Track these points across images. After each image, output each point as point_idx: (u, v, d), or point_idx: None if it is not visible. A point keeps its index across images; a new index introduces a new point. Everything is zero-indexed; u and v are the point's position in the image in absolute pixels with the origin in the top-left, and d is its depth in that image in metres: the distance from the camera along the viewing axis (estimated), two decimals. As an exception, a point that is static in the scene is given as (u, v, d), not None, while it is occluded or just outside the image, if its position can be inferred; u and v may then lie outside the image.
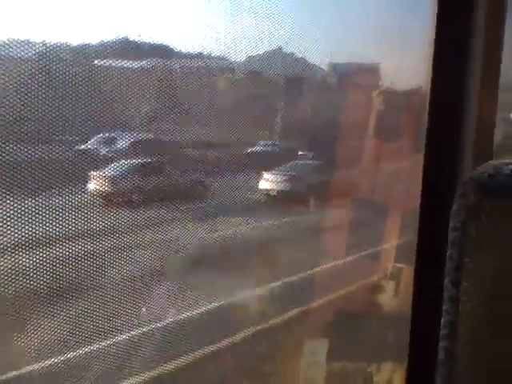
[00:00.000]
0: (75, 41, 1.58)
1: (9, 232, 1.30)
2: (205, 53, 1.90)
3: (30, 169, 1.39)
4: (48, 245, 1.40)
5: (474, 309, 0.56)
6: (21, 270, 1.37)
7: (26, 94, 1.37)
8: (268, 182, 2.64)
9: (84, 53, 1.64)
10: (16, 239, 1.32)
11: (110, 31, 1.54)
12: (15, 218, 1.31)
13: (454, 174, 1.15)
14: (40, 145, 1.46)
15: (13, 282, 1.38)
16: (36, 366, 1.45)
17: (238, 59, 1.97)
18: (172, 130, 1.89)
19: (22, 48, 1.36)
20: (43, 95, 1.40)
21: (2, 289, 1.38)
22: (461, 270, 0.57)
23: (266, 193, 2.59)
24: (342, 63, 2.53)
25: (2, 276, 1.38)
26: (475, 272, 0.56)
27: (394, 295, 1.50)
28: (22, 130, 1.49)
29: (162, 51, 1.80)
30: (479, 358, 0.57)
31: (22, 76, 1.37)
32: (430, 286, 0.90)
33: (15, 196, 1.33)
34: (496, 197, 0.54)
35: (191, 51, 1.89)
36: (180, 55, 1.89)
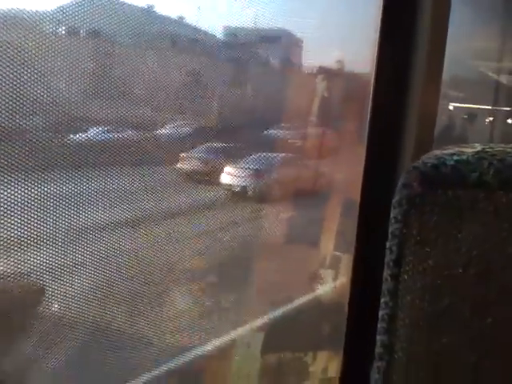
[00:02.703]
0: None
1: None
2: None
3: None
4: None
5: (412, 302, 0.54)
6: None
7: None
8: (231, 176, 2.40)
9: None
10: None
11: None
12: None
13: (396, 164, 1.15)
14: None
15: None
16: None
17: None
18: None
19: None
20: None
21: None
22: (400, 263, 0.55)
23: (229, 188, 2.35)
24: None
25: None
26: (415, 265, 0.54)
27: (332, 284, 1.50)
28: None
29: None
30: (417, 352, 0.55)
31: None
32: (369, 277, 0.88)
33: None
34: (440, 188, 0.51)
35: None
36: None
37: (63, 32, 1.48)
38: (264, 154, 2.17)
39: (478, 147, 0.54)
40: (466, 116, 4.23)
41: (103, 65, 1.55)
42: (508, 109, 3.97)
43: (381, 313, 0.58)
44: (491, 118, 4.26)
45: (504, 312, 0.49)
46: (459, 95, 3.77)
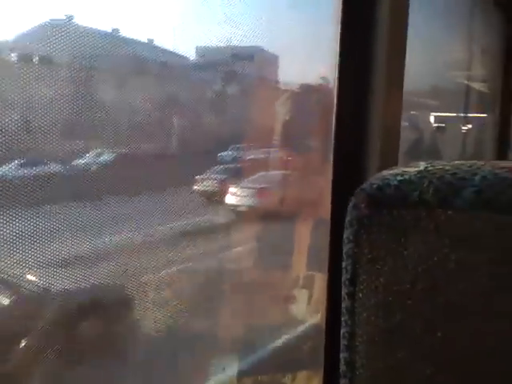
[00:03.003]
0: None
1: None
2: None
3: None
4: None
5: (368, 319, 0.56)
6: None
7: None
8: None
9: None
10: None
11: None
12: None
13: (362, 180, 1.17)
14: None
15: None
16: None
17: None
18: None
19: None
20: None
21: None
22: (355, 282, 0.57)
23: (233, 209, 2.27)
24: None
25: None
26: (368, 283, 0.55)
27: (308, 304, 1.51)
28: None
29: None
30: (376, 367, 0.57)
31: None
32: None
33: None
34: (385, 209, 0.53)
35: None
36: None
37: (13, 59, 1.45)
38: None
39: (421, 166, 0.56)
40: (443, 124, 4.31)
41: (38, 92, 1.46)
42: (484, 115, 4.05)
43: (342, 331, 0.60)
44: (469, 125, 4.35)
45: (452, 326, 0.50)
46: (439, 104, 3.85)
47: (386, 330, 0.54)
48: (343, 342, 0.59)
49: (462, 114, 3.92)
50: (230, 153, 1.97)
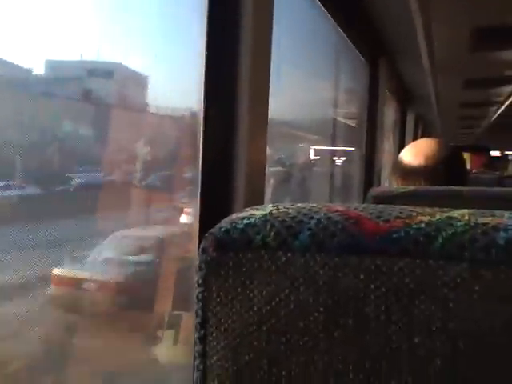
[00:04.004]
0: None
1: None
2: None
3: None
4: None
5: (219, 363, 0.56)
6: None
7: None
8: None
9: None
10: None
11: None
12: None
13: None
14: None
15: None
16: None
17: None
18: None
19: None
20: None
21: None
22: (206, 326, 0.57)
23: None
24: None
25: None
26: (218, 326, 0.56)
27: (174, 344, 1.48)
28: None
29: None
30: None
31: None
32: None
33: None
34: (231, 252, 0.55)
35: None
36: None
37: None
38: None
39: (267, 209, 0.59)
40: (318, 157, 4.59)
41: None
42: (352, 149, 4.39)
43: (194, 375, 0.60)
44: (341, 158, 4.69)
45: (295, 364, 0.52)
46: (317, 138, 4.11)
47: (235, 372, 0.55)
48: None
49: (334, 148, 4.21)
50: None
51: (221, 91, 1.20)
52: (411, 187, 1.55)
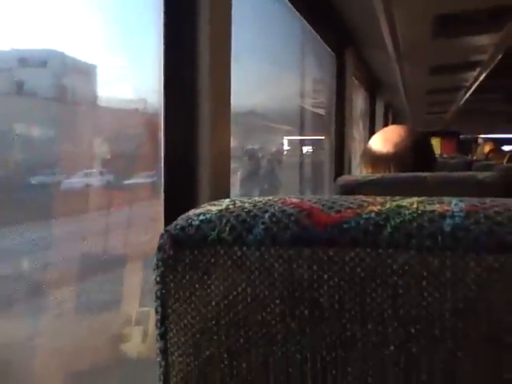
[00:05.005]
0: None
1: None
2: None
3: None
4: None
5: (180, 359, 0.56)
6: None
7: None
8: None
9: None
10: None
11: None
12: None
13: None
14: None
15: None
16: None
17: None
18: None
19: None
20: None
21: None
22: (165, 323, 0.57)
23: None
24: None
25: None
26: (177, 323, 0.56)
27: (142, 341, 1.47)
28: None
29: None
30: None
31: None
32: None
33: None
34: (188, 249, 0.55)
35: None
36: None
37: None
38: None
39: (224, 204, 0.59)
40: (289, 147, 4.61)
41: None
42: (322, 137, 4.42)
43: (158, 372, 0.60)
44: (314, 147, 4.73)
45: (254, 357, 0.53)
46: (288, 129, 4.14)
47: (196, 367, 0.55)
48: None
49: (304, 137, 4.23)
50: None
51: (181, 82, 1.18)
52: (378, 175, 1.57)
